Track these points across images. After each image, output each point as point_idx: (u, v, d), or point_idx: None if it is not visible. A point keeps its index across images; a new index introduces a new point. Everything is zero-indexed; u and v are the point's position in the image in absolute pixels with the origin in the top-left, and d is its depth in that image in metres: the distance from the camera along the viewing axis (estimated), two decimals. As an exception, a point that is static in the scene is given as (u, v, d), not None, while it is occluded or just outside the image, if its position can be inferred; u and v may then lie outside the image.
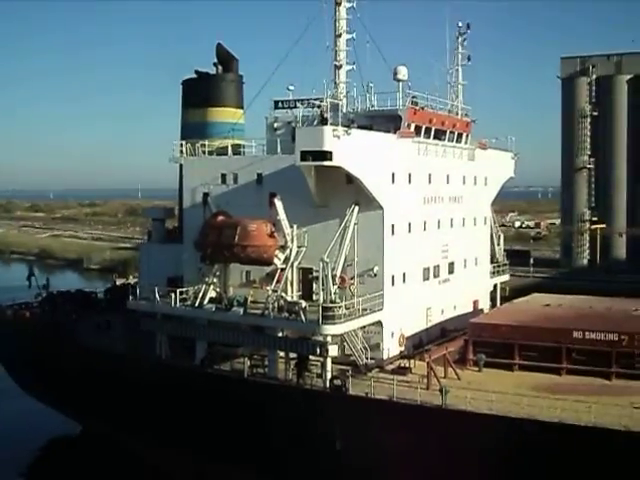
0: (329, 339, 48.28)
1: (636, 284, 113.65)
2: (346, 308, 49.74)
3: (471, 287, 65.41)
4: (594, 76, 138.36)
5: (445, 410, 44.04)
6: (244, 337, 52.51)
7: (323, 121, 50.08)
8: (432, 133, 59.49)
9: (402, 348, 54.53)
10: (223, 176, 58.28)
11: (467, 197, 64.84)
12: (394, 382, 46.43)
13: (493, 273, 71.60)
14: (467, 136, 65.26)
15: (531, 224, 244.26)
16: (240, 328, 52.76)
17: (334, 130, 48.10)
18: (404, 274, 55.42)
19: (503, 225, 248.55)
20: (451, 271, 62.62)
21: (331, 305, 48.24)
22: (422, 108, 57.35)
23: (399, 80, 56.80)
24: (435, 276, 60.17)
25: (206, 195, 57.76)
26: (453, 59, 65.22)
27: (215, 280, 54.71)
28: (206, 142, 60.09)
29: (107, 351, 58.88)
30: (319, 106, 53.75)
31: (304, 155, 48.63)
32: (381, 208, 52.69)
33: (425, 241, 58.34)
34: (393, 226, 53.87)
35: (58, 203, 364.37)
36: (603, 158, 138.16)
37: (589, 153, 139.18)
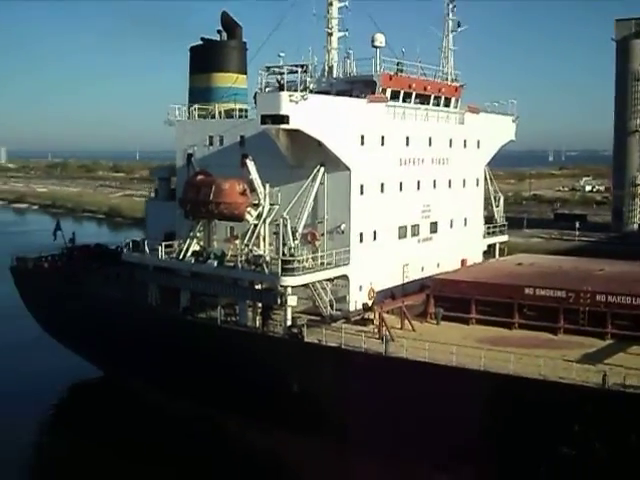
0: (289, 290, 52.02)
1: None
2: (313, 260, 53.57)
3: (458, 246, 67.76)
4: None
5: (384, 357, 47.38)
6: (219, 288, 56.81)
7: (280, 87, 53.45)
8: (413, 98, 61.97)
9: (371, 302, 57.61)
10: (210, 138, 62.41)
11: (455, 159, 67.09)
12: (342, 331, 50.00)
13: (488, 234, 73.74)
14: (457, 100, 67.43)
15: (602, 188, 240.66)
16: (216, 279, 56.94)
17: (290, 95, 51.38)
18: (375, 232, 58.46)
19: (573, 189, 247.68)
20: (434, 230, 65.24)
21: (290, 258, 51.93)
22: (397, 73, 59.84)
23: (376, 47, 59.60)
24: (414, 234, 62.92)
25: (190, 156, 62.11)
26: (444, 26, 67.28)
27: (199, 235, 58.98)
28: (196, 106, 63.99)
29: (106, 299, 63.96)
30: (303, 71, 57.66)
31: (264, 119, 52.34)
32: (348, 169, 55.82)
33: (402, 201, 61.09)
34: (362, 186, 56.89)
35: (139, 164, 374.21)
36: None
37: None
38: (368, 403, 47.41)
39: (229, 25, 71.97)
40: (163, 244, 59.50)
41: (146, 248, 60.62)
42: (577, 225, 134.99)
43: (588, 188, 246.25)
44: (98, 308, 64.79)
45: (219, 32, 71.72)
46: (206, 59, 70.26)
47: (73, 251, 75.82)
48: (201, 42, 71.42)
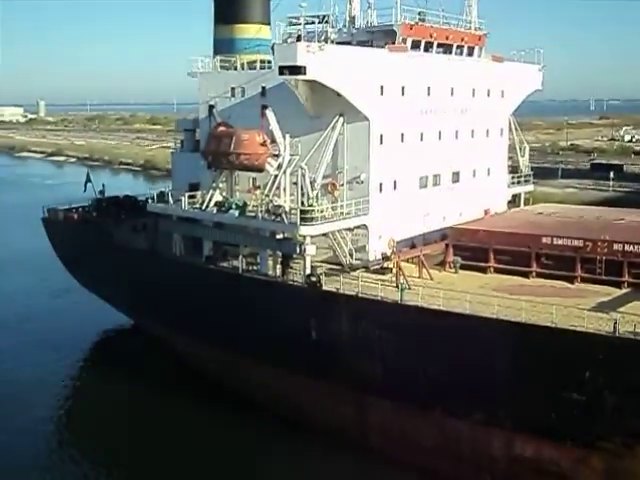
0: (307, 239, 52.77)
1: None
2: (332, 210, 54.16)
3: (481, 196, 67.83)
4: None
5: (399, 305, 48.08)
6: (240, 237, 57.79)
7: (298, 38, 53.61)
8: (434, 47, 61.78)
9: (391, 251, 58.09)
10: (232, 89, 62.86)
11: (478, 109, 66.85)
12: (359, 279, 50.70)
13: (513, 183, 73.65)
14: (480, 49, 67.04)
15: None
16: (238, 229, 57.87)
17: (307, 46, 51.57)
18: (395, 181, 58.78)
19: (612, 139, 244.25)
20: (456, 180, 65.34)
21: (309, 208, 52.58)
22: (418, 23, 59.62)
23: (396, -4, 59.31)
24: (435, 184, 63.13)
25: (211, 107, 62.68)
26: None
27: (221, 185, 59.78)
28: (218, 57, 64.40)
29: (133, 249, 65.36)
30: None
31: (281, 69, 52.67)
32: (367, 119, 56.02)
33: (422, 151, 61.20)
34: (382, 136, 57.07)
35: (176, 116, 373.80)
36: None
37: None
38: (383, 350, 48.37)
39: (252, -26, 71.69)
40: (186, 195, 60.44)
41: (170, 199, 61.68)
42: (611, 175, 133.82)
43: (627, 138, 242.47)
44: (125, 258, 66.27)
45: (242, -19, 71.54)
46: (229, 10, 70.27)
47: (102, 202, 77.09)
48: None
